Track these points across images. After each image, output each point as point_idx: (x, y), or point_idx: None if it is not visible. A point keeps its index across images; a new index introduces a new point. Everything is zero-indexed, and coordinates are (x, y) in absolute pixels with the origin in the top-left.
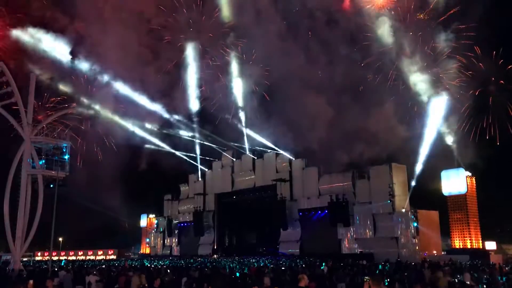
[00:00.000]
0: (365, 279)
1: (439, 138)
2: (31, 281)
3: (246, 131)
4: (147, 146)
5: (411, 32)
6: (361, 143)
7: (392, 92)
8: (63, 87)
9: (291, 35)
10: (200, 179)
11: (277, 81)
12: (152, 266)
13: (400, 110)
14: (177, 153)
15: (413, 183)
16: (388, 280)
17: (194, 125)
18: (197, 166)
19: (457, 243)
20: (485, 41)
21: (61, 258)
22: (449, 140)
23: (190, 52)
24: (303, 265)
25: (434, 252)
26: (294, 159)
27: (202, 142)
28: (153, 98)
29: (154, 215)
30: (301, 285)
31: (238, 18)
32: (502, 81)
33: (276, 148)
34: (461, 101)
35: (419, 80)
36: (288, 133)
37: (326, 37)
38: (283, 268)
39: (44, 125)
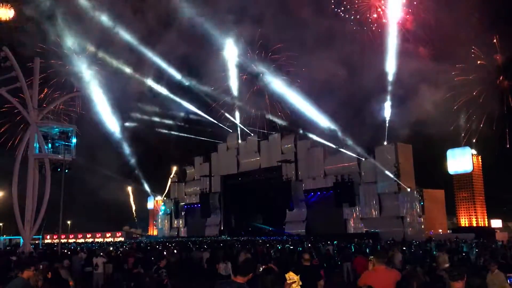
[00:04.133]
0: (369, 258)
1: (445, 117)
2: (40, 265)
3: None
4: (153, 128)
5: None
6: (367, 122)
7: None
8: None
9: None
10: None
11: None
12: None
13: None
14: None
15: (418, 162)
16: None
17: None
18: (203, 149)
19: (463, 222)
20: None
21: (69, 240)
22: (456, 119)
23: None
24: (309, 245)
25: (440, 230)
26: (299, 140)
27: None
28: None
29: (161, 197)
30: (305, 263)
31: None
32: None
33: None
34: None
35: None
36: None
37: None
38: (291, 247)
39: (52, 108)
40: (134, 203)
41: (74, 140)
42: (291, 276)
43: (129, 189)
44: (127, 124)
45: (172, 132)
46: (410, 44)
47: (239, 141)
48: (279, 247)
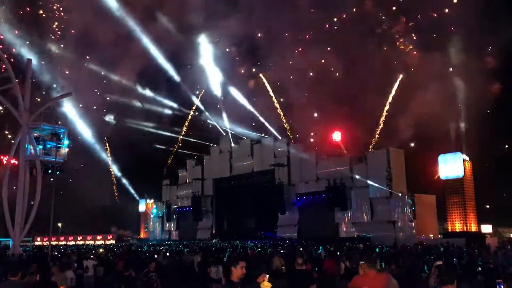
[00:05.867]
0: (360, 263)
1: (437, 122)
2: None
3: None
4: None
5: None
6: (360, 126)
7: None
8: None
9: None
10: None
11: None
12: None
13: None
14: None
15: (410, 167)
16: (385, 262)
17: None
18: (195, 152)
19: (454, 227)
20: None
21: (60, 243)
22: (447, 124)
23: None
24: (301, 249)
25: (431, 235)
26: (292, 143)
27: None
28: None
29: (152, 200)
30: (298, 267)
31: None
32: None
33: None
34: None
35: None
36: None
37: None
38: (282, 251)
39: (42, 111)
40: (124, 206)
41: (66, 142)
42: (265, 284)
43: (115, 191)
44: (107, 119)
45: (162, 133)
46: (404, 47)
47: (232, 144)
48: (270, 251)
